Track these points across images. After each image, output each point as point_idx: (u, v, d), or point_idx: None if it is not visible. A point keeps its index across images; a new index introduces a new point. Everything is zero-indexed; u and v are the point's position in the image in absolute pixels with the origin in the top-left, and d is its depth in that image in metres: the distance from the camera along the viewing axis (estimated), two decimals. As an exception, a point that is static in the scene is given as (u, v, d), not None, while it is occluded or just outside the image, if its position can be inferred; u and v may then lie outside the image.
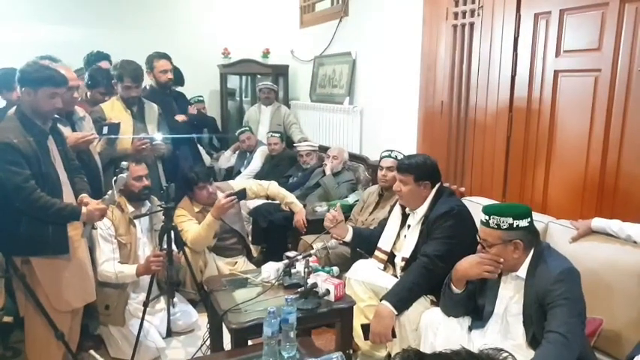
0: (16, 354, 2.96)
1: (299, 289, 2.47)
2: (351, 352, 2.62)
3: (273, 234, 4.12)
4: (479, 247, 2.18)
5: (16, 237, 2.39)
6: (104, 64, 4.13)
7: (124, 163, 2.69)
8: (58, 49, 4.11)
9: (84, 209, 2.47)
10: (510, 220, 2.04)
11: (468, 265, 2.18)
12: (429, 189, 2.72)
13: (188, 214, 3.48)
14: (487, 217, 2.09)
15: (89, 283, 2.69)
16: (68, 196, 2.52)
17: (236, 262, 3.68)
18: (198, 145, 5.06)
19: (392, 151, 3.47)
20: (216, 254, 3.64)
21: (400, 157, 3.33)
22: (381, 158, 3.53)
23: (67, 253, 2.49)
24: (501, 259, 2.09)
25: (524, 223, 2.06)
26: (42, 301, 2.47)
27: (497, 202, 2.92)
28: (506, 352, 1.07)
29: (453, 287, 2.26)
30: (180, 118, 4.22)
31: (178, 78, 4.67)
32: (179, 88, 4.83)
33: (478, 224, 2.27)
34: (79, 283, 2.60)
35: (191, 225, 3.38)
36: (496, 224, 2.06)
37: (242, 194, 3.47)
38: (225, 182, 4.00)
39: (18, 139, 2.32)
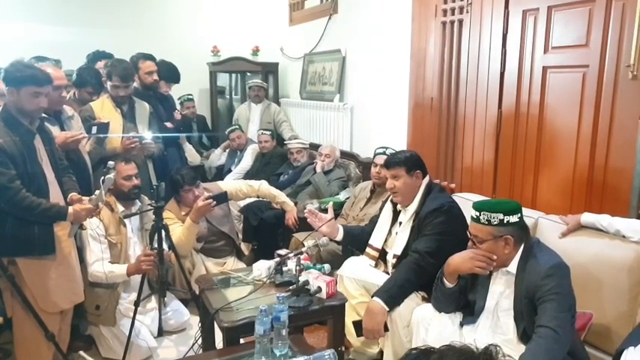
0: (6, 355, 2.93)
1: (291, 287, 2.46)
2: (344, 349, 2.62)
3: (264, 232, 4.11)
4: (469, 243, 2.19)
5: (2, 237, 2.37)
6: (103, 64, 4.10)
7: (111, 163, 2.66)
8: (52, 48, 4.10)
9: (70, 209, 2.45)
10: (501, 216, 2.06)
11: (461, 260, 2.20)
12: (420, 178, 2.74)
13: (174, 217, 3.46)
14: (478, 214, 2.10)
15: (77, 284, 2.66)
16: (55, 196, 2.50)
17: (225, 263, 3.67)
18: (186, 145, 5.04)
19: (386, 148, 3.48)
20: (205, 255, 3.63)
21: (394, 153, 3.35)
22: (375, 155, 3.54)
23: (53, 254, 2.47)
24: (494, 257, 2.10)
25: (514, 218, 2.07)
26: (30, 302, 2.45)
27: (487, 198, 2.93)
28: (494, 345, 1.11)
29: (445, 281, 2.27)
30: (168, 126, 4.18)
31: (174, 75, 4.64)
32: (175, 86, 4.79)
33: (468, 220, 2.28)
34: (67, 284, 2.57)
35: (176, 228, 3.35)
36: (487, 220, 2.07)
37: (222, 197, 3.45)
38: (214, 183, 3.98)
39: (3, 139, 2.30)
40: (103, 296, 2.97)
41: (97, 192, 2.51)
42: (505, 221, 2.06)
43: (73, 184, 2.66)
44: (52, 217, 2.42)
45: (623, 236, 2.27)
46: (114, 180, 2.66)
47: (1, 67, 2.50)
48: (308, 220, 2.89)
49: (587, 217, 2.41)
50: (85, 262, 2.90)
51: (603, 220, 2.34)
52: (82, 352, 2.96)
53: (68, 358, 2.75)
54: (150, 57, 4.07)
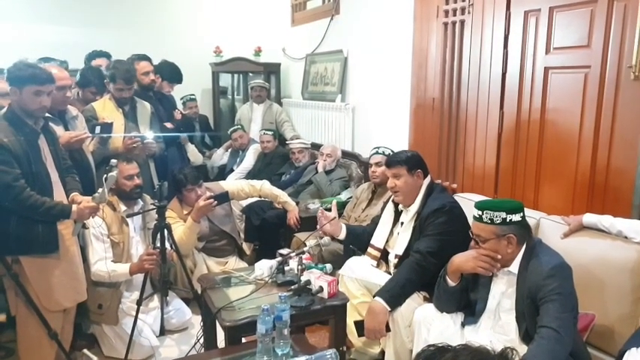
0: (9, 353, 2.94)
1: (292, 287, 2.47)
2: (345, 349, 2.62)
3: (266, 231, 4.12)
4: (472, 243, 2.20)
5: (6, 236, 2.38)
6: (101, 61, 4.11)
7: (113, 161, 2.67)
8: (53, 48, 4.10)
9: (74, 207, 2.46)
10: (504, 215, 2.06)
11: (464, 259, 2.21)
12: (421, 178, 2.74)
13: (176, 216, 3.47)
14: (480, 213, 2.11)
15: (80, 282, 2.67)
16: (59, 195, 2.51)
17: (227, 262, 3.68)
18: (188, 145, 5.05)
19: (379, 147, 3.51)
20: (206, 254, 3.64)
21: (388, 152, 3.38)
22: (370, 156, 3.57)
23: (56, 252, 2.48)
24: (499, 256, 2.10)
25: (517, 217, 2.08)
26: (33, 301, 2.46)
27: (489, 198, 2.93)
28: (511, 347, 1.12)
29: (448, 280, 2.27)
30: (168, 126, 4.16)
31: (176, 75, 4.65)
32: (177, 86, 4.81)
33: (470, 220, 2.28)
34: (70, 282, 2.58)
35: (178, 227, 3.36)
36: (489, 219, 2.08)
37: (223, 197, 3.46)
38: (216, 183, 3.98)
39: (8, 139, 2.32)
40: (106, 295, 2.97)
41: (100, 190, 2.52)
42: (508, 220, 2.06)
43: (75, 184, 2.67)
44: (56, 216, 2.43)
45: (626, 237, 2.26)
46: (116, 178, 2.67)
47: (6, 67, 2.51)
48: (319, 220, 2.89)
49: (589, 218, 2.40)
50: (88, 261, 2.91)
51: (605, 220, 2.34)
52: (85, 350, 2.97)
53: (71, 357, 2.76)
54: (144, 57, 4.08)
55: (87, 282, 2.77)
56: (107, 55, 4.30)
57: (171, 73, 4.58)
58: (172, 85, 4.71)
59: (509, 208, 2.09)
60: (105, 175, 2.53)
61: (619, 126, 2.51)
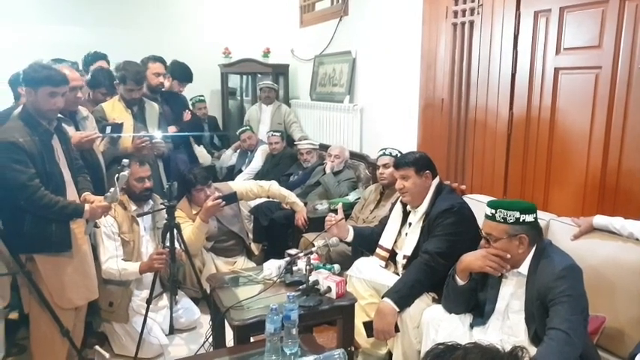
0: (22, 350, 2.98)
1: (301, 287, 2.48)
2: (353, 349, 2.62)
3: (275, 232, 4.13)
4: (482, 242, 2.19)
5: (21, 234, 2.42)
6: (101, 64, 4.13)
7: (125, 161, 2.70)
8: (58, 49, 4.12)
9: (87, 206, 2.50)
10: (517, 214, 2.06)
11: (473, 258, 2.20)
12: (430, 179, 2.74)
13: (185, 216, 3.49)
14: (493, 211, 2.10)
15: (92, 280, 2.70)
16: (71, 195, 2.55)
17: (235, 262, 3.70)
18: (196, 146, 5.06)
19: (387, 148, 3.52)
20: (215, 254, 3.65)
21: (395, 153, 3.38)
22: (378, 157, 3.58)
23: (69, 250, 2.51)
24: (508, 256, 2.10)
25: (530, 218, 2.08)
26: (46, 299, 2.49)
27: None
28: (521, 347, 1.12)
29: (457, 279, 2.27)
30: (171, 129, 4.12)
31: (187, 75, 4.68)
32: (187, 87, 4.83)
33: (480, 221, 2.28)
34: (82, 280, 2.62)
35: (186, 227, 3.37)
36: (502, 218, 2.07)
37: (231, 197, 3.47)
38: (224, 183, 4.00)
39: (23, 139, 2.35)
40: (116, 293, 3.00)
41: (112, 189, 2.55)
42: (521, 220, 2.06)
43: (87, 184, 2.71)
44: (70, 215, 2.47)
45: (637, 239, 2.25)
46: (127, 177, 2.69)
47: (21, 68, 2.54)
48: (326, 228, 2.88)
49: (599, 220, 2.39)
50: (99, 259, 2.94)
51: (616, 222, 2.32)
52: (97, 347, 3.00)
53: (82, 354, 2.78)
54: (160, 59, 4.10)
55: (98, 280, 2.80)
56: (104, 57, 4.31)
57: (181, 72, 4.62)
58: (183, 85, 4.74)
59: (523, 208, 2.08)
60: (117, 175, 2.55)
61: (630, 127, 2.49)
